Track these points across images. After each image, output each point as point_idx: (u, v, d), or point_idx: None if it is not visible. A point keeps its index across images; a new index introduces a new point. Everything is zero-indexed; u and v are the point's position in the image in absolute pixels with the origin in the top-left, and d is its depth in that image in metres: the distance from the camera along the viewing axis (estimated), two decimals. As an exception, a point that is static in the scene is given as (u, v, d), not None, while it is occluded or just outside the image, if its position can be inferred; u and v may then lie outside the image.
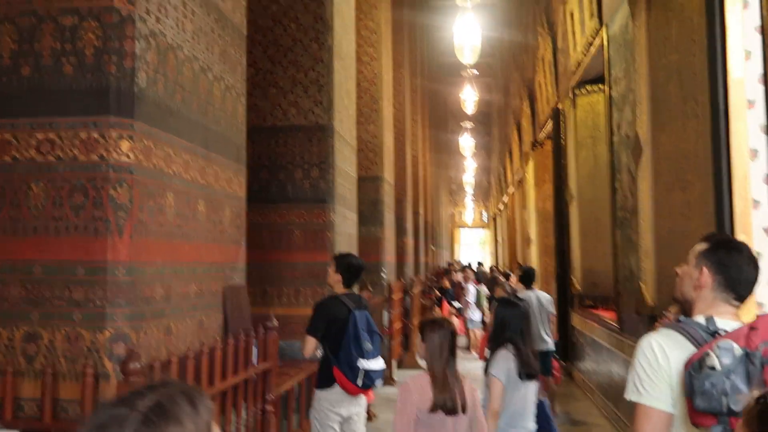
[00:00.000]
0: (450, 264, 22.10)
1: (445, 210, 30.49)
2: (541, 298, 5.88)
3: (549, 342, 5.77)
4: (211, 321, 2.88)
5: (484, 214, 36.01)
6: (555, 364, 5.94)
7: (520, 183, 14.19)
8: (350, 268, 3.64)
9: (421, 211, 15.40)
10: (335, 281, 3.63)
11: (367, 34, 8.60)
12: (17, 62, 2.23)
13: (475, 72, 18.14)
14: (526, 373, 3.12)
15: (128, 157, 2.21)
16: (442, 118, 25.03)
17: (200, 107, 2.78)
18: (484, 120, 26.75)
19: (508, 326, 3.22)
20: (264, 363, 3.13)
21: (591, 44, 6.42)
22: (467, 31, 10.59)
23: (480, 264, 21.07)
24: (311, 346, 3.43)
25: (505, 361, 3.13)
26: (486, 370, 3.22)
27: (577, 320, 7.73)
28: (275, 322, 3.31)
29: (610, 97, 5.59)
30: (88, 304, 2.15)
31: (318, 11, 5.49)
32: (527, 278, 6.08)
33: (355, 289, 3.74)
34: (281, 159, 5.47)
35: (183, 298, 2.60)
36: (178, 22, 2.58)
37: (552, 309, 5.98)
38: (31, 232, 2.18)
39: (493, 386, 3.11)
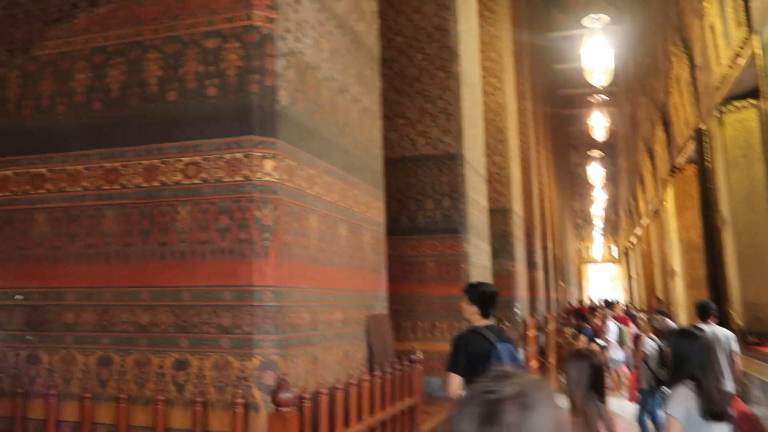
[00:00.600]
0: (592, 303, 20.94)
1: (571, 245, 29.19)
2: (719, 334, 5.20)
3: (730, 385, 5.07)
4: (356, 351, 2.70)
5: (613, 248, 34.08)
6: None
7: (657, 213, 13.22)
8: (484, 297, 3.36)
9: (549, 245, 14.74)
10: (471, 313, 3.35)
11: (489, 65, 8.41)
12: (163, 88, 2.21)
13: (604, 97, 17.39)
14: (711, 412, 2.66)
15: (272, 176, 2.11)
16: (563, 149, 24.19)
17: (339, 128, 2.67)
18: (608, 150, 25.53)
19: (687, 360, 2.78)
20: (409, 398, 2.91)
21: (739, 56, 5.82)
22: (598, 53, 10.10)
23: (614, 302, 19.78)
24: (456, 384, 3.16)
25: (685, 399, 2.70)
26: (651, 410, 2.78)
27: (740, 359, 6.88)
28: (420, 355, 3.08)
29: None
30: (235, 330, 2.03)
31: (444, 40, 5.37)
32: (704, 312, 5.42)
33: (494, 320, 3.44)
34: (411, 190, 5.32)
35: (328, 326, 2.44)
36: (316, 41, 2.50)
37: (735, 347, 5.27)
38: (179, 256, 2.12)
39: (671, 427, 2.68)
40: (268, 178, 2.10)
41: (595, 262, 36.09)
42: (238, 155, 2.11)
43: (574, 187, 29.04)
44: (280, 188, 2.13)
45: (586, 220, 33.95)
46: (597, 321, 11.19)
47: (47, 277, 2.25)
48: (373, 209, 3.03)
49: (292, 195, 2.21)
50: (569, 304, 21.16)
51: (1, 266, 2.31)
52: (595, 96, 16.99)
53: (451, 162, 5.29)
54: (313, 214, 2.38)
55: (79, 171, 2.26)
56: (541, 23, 15.66)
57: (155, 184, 2.18)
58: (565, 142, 24.96)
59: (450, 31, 5.36)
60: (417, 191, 5.32)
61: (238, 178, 2.10)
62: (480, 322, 3.32)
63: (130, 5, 2.27)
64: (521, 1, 11.52)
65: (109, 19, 2.29)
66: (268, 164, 2.11)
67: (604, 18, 9.64)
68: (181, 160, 2.16)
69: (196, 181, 2.14)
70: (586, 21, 9.76)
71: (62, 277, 2.23)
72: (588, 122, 18.28)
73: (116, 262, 2.18)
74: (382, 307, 3.07)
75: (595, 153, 24.93)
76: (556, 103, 20.54)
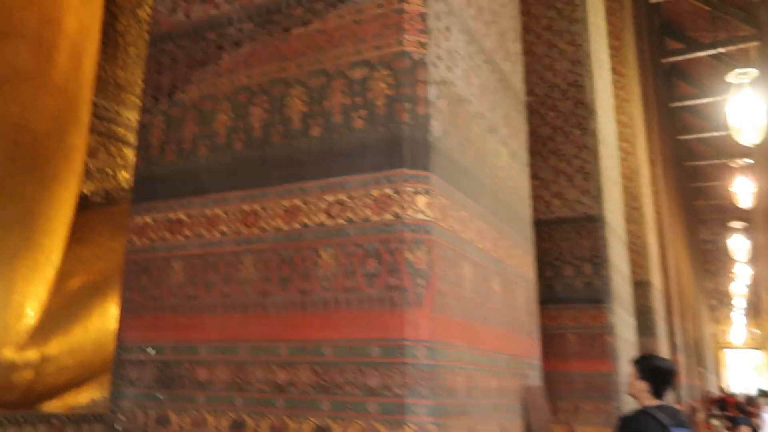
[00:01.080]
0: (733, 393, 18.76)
1: (707, 327, 26.65)
2: None
3: None
4: (513, 427, 2.29)
5: (757, 332, 30.73)
6: None
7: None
8: (657, 373, 2.84)
9: (688, 326, 13.41)
10: (640, 390, 2.84)
11: (621, 128, 7.94)
12: (307, 123, 2.04)
13: (748, 160, 16.11)
14: None
15: (425, 214, 1.84)
16: (692, 224, 22.55)
17: (489, 170, 2.39)
18: (749, 221, 23.47)
19: None
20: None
21: None
22: (746, 109, 9.32)
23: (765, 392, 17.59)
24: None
25: None
26: None
27: None
28: (582, 436, 2.61)
29: None
30: (384, 392, 1.72)
31: (578, 96, 5.05)
32: None
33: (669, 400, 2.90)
34: (547, 255, 4.89)
35: (484, 394, 2.08)
36: (466, 74, 2.27)
37: None
38: (320, 306, 1.87)
39: None
40: (420, 216, 1.83)
41: (734, 347, 32.66)
42: (387, 191, 1.86)
43: (705, 264, 26.85)
44: (433, 228, 1.85)
45: (722, 301, 31.05)
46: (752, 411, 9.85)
47: (181, 329, 2.06)
48: (525, 264, 2.68)
49: (445, 237, 1.92)
50: (710, 392, 19.05)
51: (136, 317, 2.17)
52: (737, 161, 15.79)
53: (591, 225, 4.83)
54: (467, 262, 2.07)
55: (218, 215, 2.11)
56: (664, 91, 14.97)
57: (296, 226, 1.97)
58: (693, 217, 23.32)
59: (585, 87, 5.04)
60: (553, 256, 4.88)
61: (388, 217, 1.84)
62: (650, 401, 2.80)
63: (274, 42, 2.16)
64: (646, 67, 11.02)
65: (253, 58, 2.18)
66: (421, 200, 1.84)
67: (752, 72, 8.96)
68: (324, 199, 1.94)
69: (340, 221, 1.91)
70: (732, 77, 9.11)
71: (196, 329, 2.04)
72: (729, 189, 16.96)
73: (253, 313, 1.96)
74: (535, 378, 2.65)
75: (737, 224, 22.95)
76: (682, 176, 19.34)
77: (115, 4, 6.37)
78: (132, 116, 6.41)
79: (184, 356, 2.03)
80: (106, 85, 6.12)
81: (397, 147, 1.88)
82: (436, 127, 1.96)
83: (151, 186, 2.27)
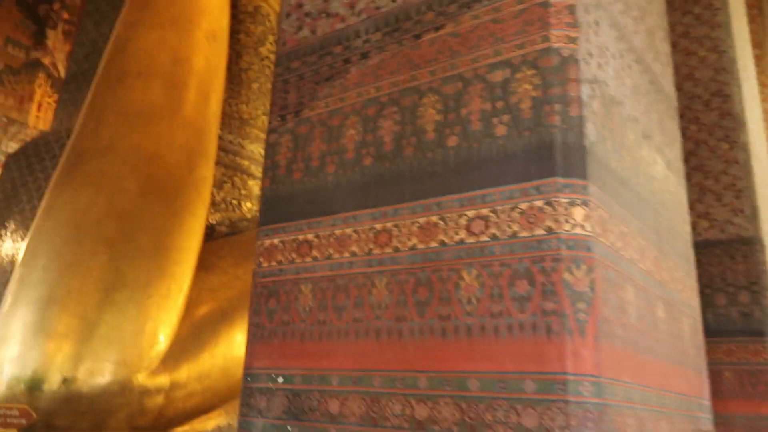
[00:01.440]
0: None
1: None
2: None
3: None
4: (688, 481, 1.95)
5: None
6: None
7: None
8: None
9: None
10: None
11: None
12: (442, 133, 1.87)
13: None
14: None
15: (584, 228, 1.60)
16: None
17: (646, 181, 2.10)
18: None
19: None
20: None
21: None
22: None
23: None
24: None
25: None
26: None
27: None
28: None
29: None
30: (544, 434, 1.48)
31: (724, 106, 4.57)
32: None
33: None
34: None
35: (656, 441, 1.77)
36: (618, 73, 2.01)
37: None
38: (463, 333, 1.66)
39: None
40: (579, 231, 1.59)
41: None
42: (538, 203, 1.64)
43: None
44: (594, 244, 1.60)
45: None
46: None
47: (311, 356, 1.93)
48: (688, 289, 2.33)
49: (607, 255, 1.67)
50: None
51: (264, 344, 2.06)
52: None
53: (746, 248, 4.30)
54: (630, 285, 1.79)
55: (348, 235, 1.97)
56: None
57: (433, 245, 1.78)
58: None
59: (732, 97, 4.55)
60: (702, 284, 4.37)
61: (539, 232, 1.61)
62: None
63: (404, 50, 2.02)
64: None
65: (382, 69, 2.06)
66: (578, 213, 1.60)
67: None
68: (464, 215, 1.75)
69: (483, 238, 1.70)
70: None
71: (327, 357, 1.89)
72: None
73: (387, 340, 1.79)
74: (707, 421, 2.27)
75: None
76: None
77: (238, 43, 6.63)
78: (255, 149, 6.59)
79: (314, 386, 1.89)
80: (230, 119, 6.34)
81: (547, 153, 1.66)
82: (591, 130, 1.72)
83: (278, 207, 2.19)
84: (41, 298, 3.83)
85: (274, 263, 2.13)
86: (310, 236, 2.06)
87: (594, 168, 1.69)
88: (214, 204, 5.71)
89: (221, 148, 5.86)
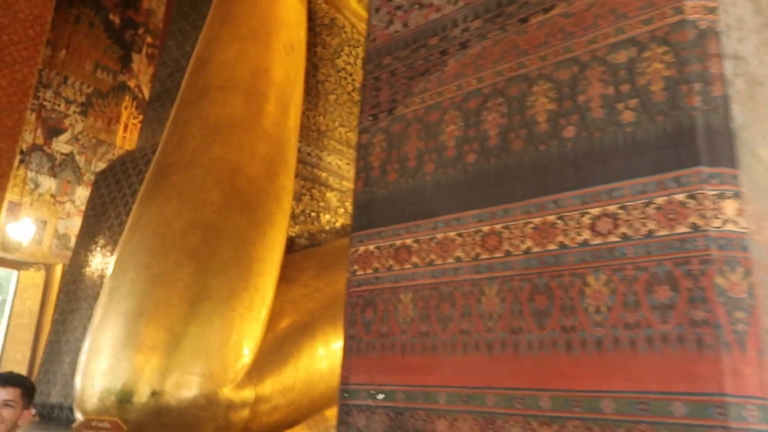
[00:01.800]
0: None
1: None
2: None
3: None
4: None
5: None
6: None
7: None
8: None
9: None
10: None
11: None
12: (557, 124, 1.68)
13: None
14: None
15: (737, 224, 1.37)
16: None
17: (791, 173, 1.83)
18: None
19: None
20: None
21: None
22: None
23: None
24: None
25: None
26: None
27: None
28: None
29: None
30: (701, 467, 1.25)
31: None
32: None
33: None
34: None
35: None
36: (757, 49, 1.76)
37: None
38: (592, 347, 1.46)
39: None
40: (731, 228, 1.36)
41: None
42: (678, 197, 1.42)
43: None
44: (750, 243, 1.37)
45: None
46: None
47: (414, 371, 1.76)
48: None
49: (763, 255, 1.43)
50: None
51: (361, 357, 1.92)
52: None
53: None
54: (786, 291, 1.53)
55: (451, 239, 1.80)
56: None
57: (551, 247, 1.59)
58: None
59: None
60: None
61: (682, 230, 1.39)
62: None
63: (508, 36, 1.84)
64: None
65: (483, 58, 1.89)
66: (730, 207, 1.37)
67: None
68: (587, 213, 1.55)
69: (612, 239, 1.49)
70: None
71: (432, 372, 1.72)
72: None
73: (501, 355, 1.60)
74: None
75: None
76: None
77: (315, 56, 6.63)
78: (333, 160, 6.54)
79: (419, 404, 1.72)
80: (308, 131, 6.31)
81: (687, 139, 1.44)
82: (738, 111, 1.49)
83: (372, 210, 2.04)
84: (129, 311, 3.84)
85: (369, 271, 1.99)
86: (408, 241, 1.91)
87: (744, 155, 1.45)
88: (293, 216, 5.67)
89: (299, 160, 5.83)
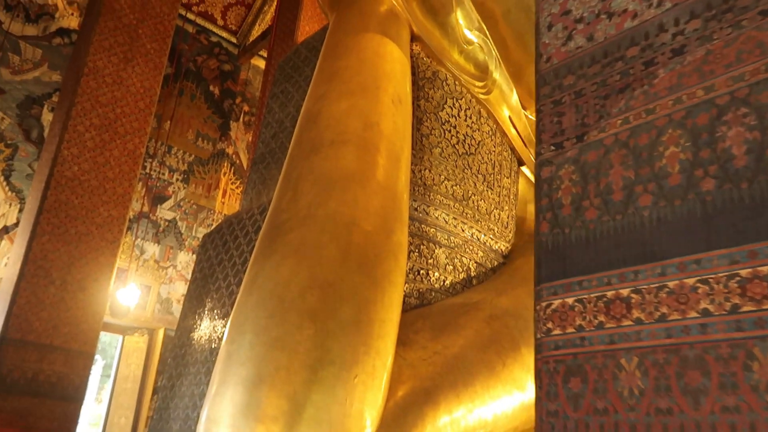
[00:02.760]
0: None
1: None
2: None
3: None
4: None
5: None
6: None
7: None
8: None
9: None
10: None
11: None
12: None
13: None
14: None
15: None
16: None
17: None
18: None
19: None
20: None
21: None
22: None
23: None
24: None
25: None
26: None
27: None
28: None
29: None
30: None
31: None
32: None
33: None
34: None
35: None
36: None
37: None
38: None
39: None
40: None
41: None
42: None
43: None
44: None
45: None
46: None
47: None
48: None
49: None
50: None
51: None
52: None
53: None
54: None
55: (691, 287, 1.40)
56: None
57: None
58: None
59: None
60: None
61: None
62: None
63: (745, 33, 1.49)
64: None
65: (709, 63, 1.53)
66: None
67: None
68: None
69: None
70: None
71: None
72: None
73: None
74: None
75: None
76: None
77: (419, 109, 6.45)
78: (440, 215, 6.25)
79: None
80: (414, 185, 6.07)
81: None
82: None
83: (566, 256, 1.68)
84: (249, 377, 3.59)
85: (571, 330, 1.61)
86: (625, 291, 1.52)
87: None
88: (403, 274, 5.34)
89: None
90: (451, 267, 6.21)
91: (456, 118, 6.94)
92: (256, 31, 13.35)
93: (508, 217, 7.53)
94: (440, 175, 6.37)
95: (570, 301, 1.63)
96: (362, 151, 4.75)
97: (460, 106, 6.91)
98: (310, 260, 3.99)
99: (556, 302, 1.67)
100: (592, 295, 1.59)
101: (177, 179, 12.35)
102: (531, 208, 7.97)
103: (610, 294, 1.55)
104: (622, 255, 1.55)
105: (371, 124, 4.95)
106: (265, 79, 11.17)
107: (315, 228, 4.17)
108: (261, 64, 13.29)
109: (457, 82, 6.95)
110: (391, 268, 4.34)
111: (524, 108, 7.64)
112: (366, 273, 4.12)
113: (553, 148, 1.82)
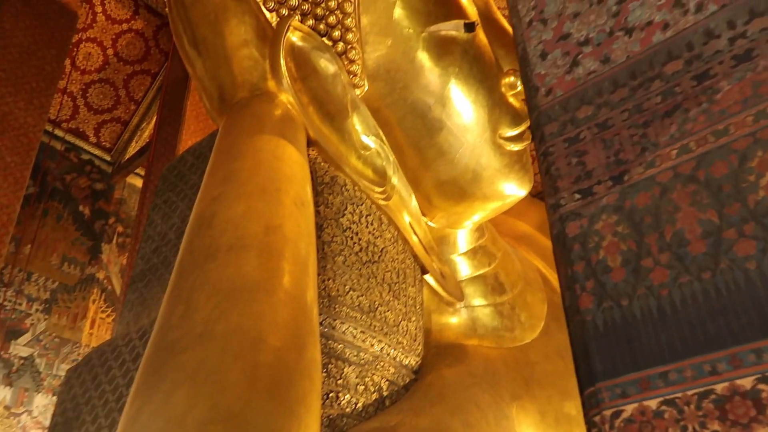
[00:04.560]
0: None
1: None
2: None
3: None
4: None
5: None
6: None
7: None
8: None
9: None
10: None
11: None
12: None
13: None
14: None
15: None
16: None
17: None
18: None
19: None
20: None
21: None
22: None
23: None
24: None
25: None
26: None
27: None
28: None
29: None
30: None
31: None
32: None
33: None
34: None
35: None
36: None
37: None
38: None
39: None
40: None
41: None
42: None
43: None
44: None
45: None
46: None
47: None
48: None
49: None
50: None
51: None
52: None
53: None
54: None
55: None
56: None
57: None
58: None
59: None
60: None
61: None
62: None
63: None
64: None
65: (789, 70, 1.15)
66: None
67: None
68: None
69: None
70: None
71: None
72: None
73: None
74: None
75: None
76: None
77: (319, 216, 5.96)
78: (348, 329, 5.59)
79: None
80: (318, 297, 5.44)
81: None
82: None
83: (632, 338, 1.16)
84: None
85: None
86: (746, 382, 1.01)
87: None
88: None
89: (315, 330, 4.85)
90: (362, 387, 5.48)
91: (357, 224, 6.51)
92: (133, 148, 12.54)
93: (416, 329, 6.97)
94: (345, 285, 5.79)
95: (651, 404, 1.09)
96: (265, 256, 4.09)
97: (361, 212, 6.51)
98: (210, 387, 3.18)
99: (628, 409, 1.11)
100: (688, 392, 1.05)
101: (37, 309, 10.75)
102: (435, 318, 7.52)
103: (720, 388, 1.03)
104: (726, 327, 1.05)
105: (274, 227, 4.35)
106: (143, 196, 10.27)
107: (215, 347, 3.38)
108: (138, 182, 12.39)
109: (356, 188, 6.59)
110: (306, 390, 3.60)
111: (423, 215, 7.40)
112: (278, 398, 3.34)
113: (578, 196, 1.34)
